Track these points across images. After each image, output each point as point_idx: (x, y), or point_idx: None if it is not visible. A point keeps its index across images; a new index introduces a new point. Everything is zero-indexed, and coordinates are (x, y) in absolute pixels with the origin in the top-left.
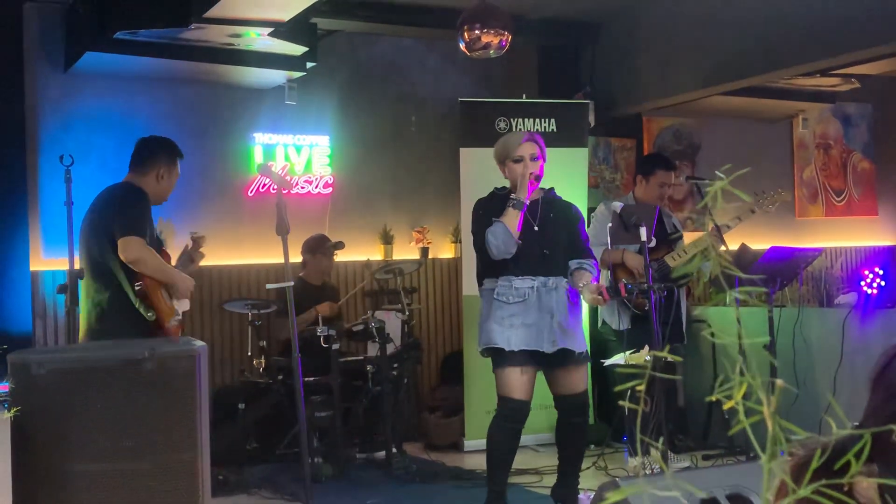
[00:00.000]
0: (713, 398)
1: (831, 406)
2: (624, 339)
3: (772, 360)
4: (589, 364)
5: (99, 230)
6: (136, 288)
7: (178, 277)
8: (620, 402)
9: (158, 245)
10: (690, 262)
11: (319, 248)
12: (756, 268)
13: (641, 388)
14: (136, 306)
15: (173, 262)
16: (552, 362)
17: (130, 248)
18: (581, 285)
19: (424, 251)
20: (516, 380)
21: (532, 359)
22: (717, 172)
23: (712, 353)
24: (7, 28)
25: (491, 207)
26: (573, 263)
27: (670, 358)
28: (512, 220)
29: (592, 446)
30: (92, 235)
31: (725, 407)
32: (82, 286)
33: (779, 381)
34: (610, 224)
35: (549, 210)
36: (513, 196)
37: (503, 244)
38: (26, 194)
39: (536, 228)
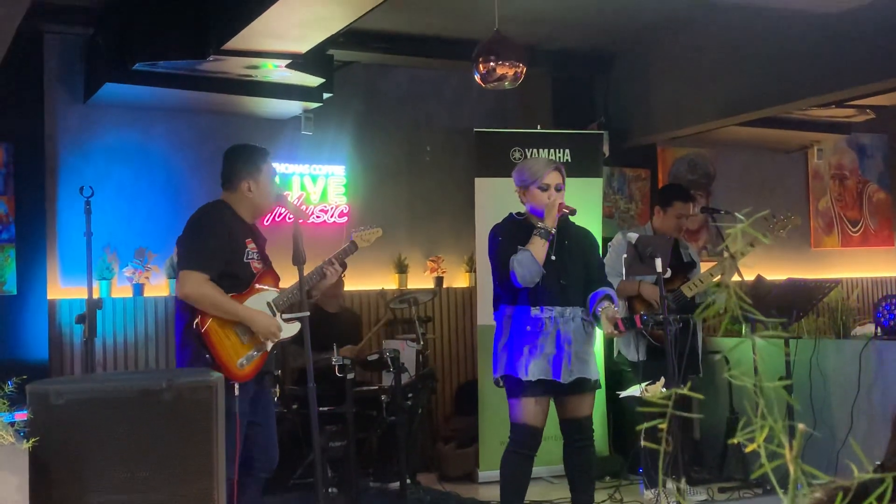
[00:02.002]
0: (734, 441)
1: (848, 439)
2: (640, 370)
3: (789, 400)
4: (604, 394)
5: (177, 258)
6: (194, 325)
7: (247, 315)
8: (643, 443)
9: (263, 266)
10: (713, 301)
11: None
12: (772, 299)
13: (664, 426)
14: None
15: (284, 284)
16: (565, 390)
17: (184, 284)
18: (599, 310)
19: (439, 280)
20: (530, 408)
21: (547, 388)
22: (736, 214)
23: (728, 386)
24: (27, 59)
25: (512, 234)
26: (599, 292)
27: (691, 395)
28: (539, 248)
29: (608, 478)
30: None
31: (747, 450)
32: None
33: (800, 426)
34: (625, 255)
35: (565, 237)
36: (540, 225)
37: (529, 273)
38: (45, 222)
39: (554, 258)
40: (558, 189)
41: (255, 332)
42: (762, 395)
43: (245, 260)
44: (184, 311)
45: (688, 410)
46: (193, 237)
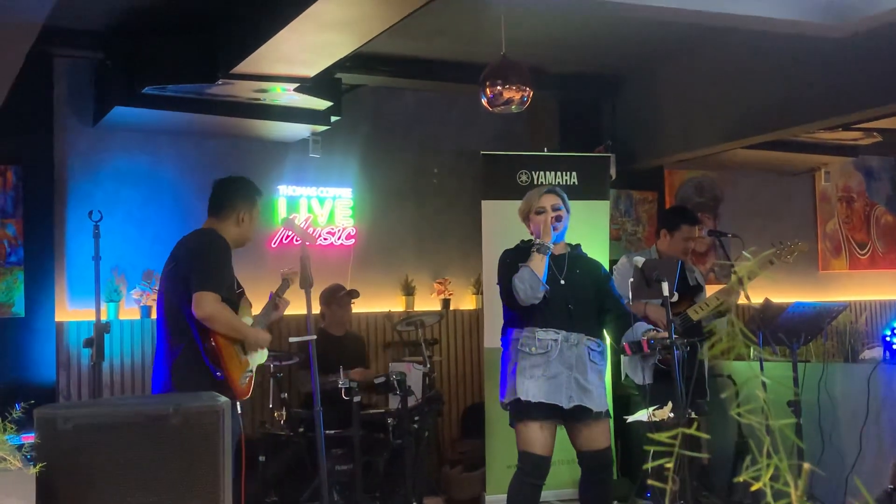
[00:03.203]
0: (740, 479)
1: (858, 464)
2: (647, 393)
3: (797, 442)
4: (612, 418)
5: (178, 281)
6: (206, 345)
7: (251, 334)
8: (649, 482)
9: (238, 294)
10: (719, 339)
11: (333, 298)
12: (780, 323)
13: (670, 465)
14: (208, 363)
15: (255, 310)
16: (571, 417)
17: (203, 305)
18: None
19: (446, 303)
20: (536, 435)
21: (551, 413)
22: (743, 253)
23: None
24: (37, 82)
25: (518, 256)
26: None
27: (697, 434)
28: (537, 263)
29: (616, 503)
30: (171, 285)
31: (753, 489)
32: (160, 334)
33: (806, 465)
34: (631, 279)
35: (576, 266)
36: (537, 241)
37: (530, 288)
38: (53, 245)
39: (563, 282)
40: (555, 208)
41: (250, 345)
42: (769, 433)
43: (234, 283)
44: (181, 334)
45: (695, 437)
46: (205, 260)
